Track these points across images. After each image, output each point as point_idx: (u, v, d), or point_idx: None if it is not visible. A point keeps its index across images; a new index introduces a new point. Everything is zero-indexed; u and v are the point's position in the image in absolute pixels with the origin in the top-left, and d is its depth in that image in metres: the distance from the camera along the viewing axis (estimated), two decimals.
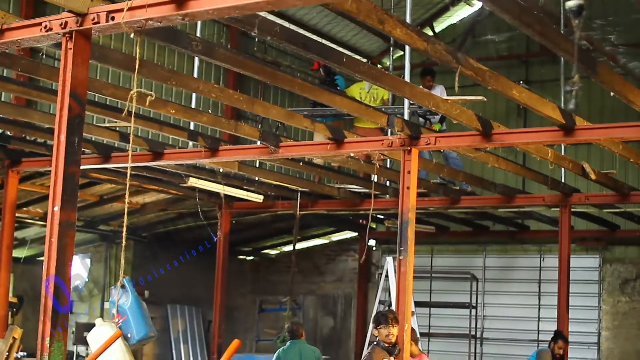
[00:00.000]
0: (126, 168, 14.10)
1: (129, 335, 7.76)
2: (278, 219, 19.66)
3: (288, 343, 13.90)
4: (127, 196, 7.72)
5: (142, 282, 18.68)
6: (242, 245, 22.23)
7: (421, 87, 14.74)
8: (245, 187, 15.90)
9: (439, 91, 15.04)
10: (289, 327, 14.28)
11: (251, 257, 23.31)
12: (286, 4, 6.31)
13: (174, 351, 19.81)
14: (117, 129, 12.11)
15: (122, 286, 8.11)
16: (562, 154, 13.54)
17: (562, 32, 7.72)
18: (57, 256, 7.10)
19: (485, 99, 10.85)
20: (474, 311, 19.43)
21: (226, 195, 16.47)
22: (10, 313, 15.21)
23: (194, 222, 19.69)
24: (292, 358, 13.66)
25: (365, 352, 10.85)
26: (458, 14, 21.50)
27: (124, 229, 7.37)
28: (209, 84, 9.98)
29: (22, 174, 14.80)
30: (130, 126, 8.49)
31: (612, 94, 9.05)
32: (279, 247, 23.29)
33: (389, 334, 10.15)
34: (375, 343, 10.43)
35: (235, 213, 17.75)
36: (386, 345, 10.18)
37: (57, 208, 7.19)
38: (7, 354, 13.75)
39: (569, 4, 4.98)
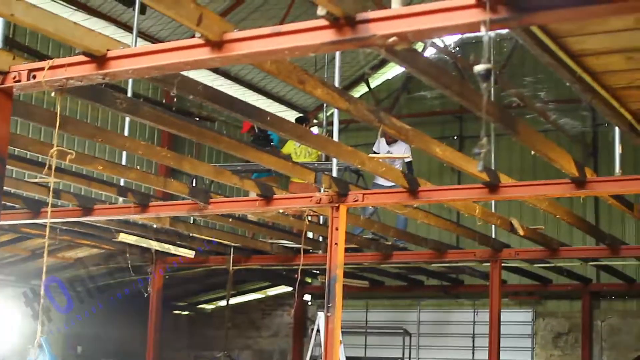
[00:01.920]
0: (56, 223, 14.12)
1: None
2: (213, 273, 19.59)
3: None
4: (45, 253, 7.71)
5: (79, 318, 18.54)
6: (177, 300, 22.12)
7: (383, 139, 14.97)
8: (178, 242, 15.87)
9: (403, 148, 15.17)
10: None
11: (187, 312, 23.18)
12: (204, 65, 6.36)
13: None
14: (48, 184, 12.04)
15: (40, 345, 8.05)
16: (493, 210, 13.72)
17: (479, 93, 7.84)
18: None
19: (411, 158, 11.01)
20: None
21: (158, 251, 16.44)
22: None
23: (130, 276, 19.56)
24: None
25: None
26: (392, 70, 21.73)
27: (42, 285, 7.33)
28: (135, 141, 10.00)
29: None
30: (52, 182, 8.44)
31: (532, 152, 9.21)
32: (214, 302, 23.20)
33: None
34: None
35: (168, 268, 17.68)
36: None
37: None
38: None
39: (477, 68, 5.08)
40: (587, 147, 19.31)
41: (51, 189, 7.99)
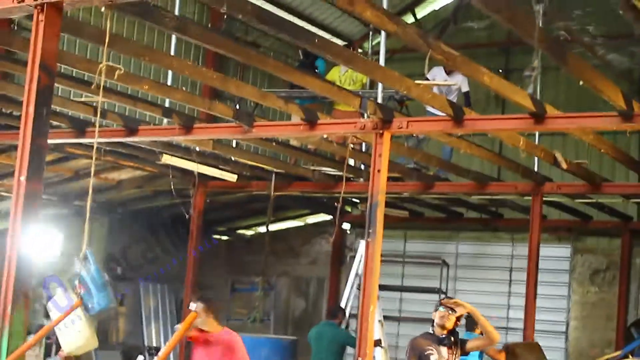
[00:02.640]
0: (101, 144, 14.21)
1: (90, 305, 7.80)
2: (253, 199, 19.70)
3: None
4: (92, 171, 7.77)
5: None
6: (217, 224, 22.26)
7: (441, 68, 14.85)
8: (220, 166, 15.93)
9: (460, 78, 15.02)
10: (328, 309, 15.61)
11: (225, 237, 23.35)
12: None
13: (144, 328, 19.85)
14: (93, 104, 12.11)
15: (85, 257, 8.14)
16: (537, 143, 13.64)
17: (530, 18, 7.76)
18: (22, 226, 7.14)
19: (467, 88, 10.94)
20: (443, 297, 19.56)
21: (200, 174, 16.52)
22: None
23: (169, 200, 19.71)
24: (321, 334, 14.58)
25: None
26: (440, 1, 21.53)
27: (89, 200, 7.42)
28: (182, 62, 10.03)
29: None
30: (100, 99, 8.49)
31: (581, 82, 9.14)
32: (254, 228, 23.35)
33: (443, 316, 9.61)
34: (428, 332, 9.87)
35: (210, 192, 17.78)
36: (438, 331, 9.61)
37: (23, 179, 7.23)
38: None
39: None
40: (634, 83, 19.09)
41: (99, 105, 8.03)
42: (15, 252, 7.09)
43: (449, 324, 9.57)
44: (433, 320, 9.75)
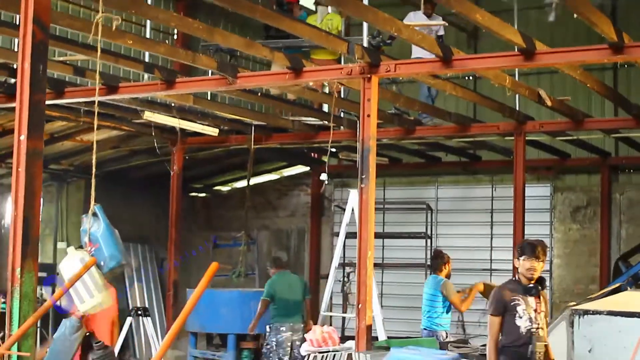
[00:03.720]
0: (79, 104, 13.98)
1: (102, 263, 7.68)
2: (230, 154, 19.55)
3: (275, 275, 14.58)
4: (95, 127, 7.60)
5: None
6: (193, 181, 22.09)
7: (419, 12, 14.67)
8: (199, 121, 15.76)
9: (440, 20, 14.84)
10: (274, 259, 15.10)
11: (203, 194, 23.20)
12: None
13: (127, 290, 19.71)
14: (75, 62, 11.89)
15: (94, 214, 7.99)
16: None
17: None
18: (25, 186, 6.99)
19: (446, 24, 10.86)
20: (429, 241, 19.58)
21: (180, 131, 16.37)
22: None
23: (146, 159, 19.53)
24: (281, 285, 14.34)
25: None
26: None
27: (94, 160, 7.29)
28: (168, 13, 9.91)
29: None
30: (98, 53, 8.30)
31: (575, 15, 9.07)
32: (230, 184, 23.20)
33: (531, 268, 8.67)
34: (511, 278, 9.20)
35: (188, 149, 17.62)
36: (524, 281, 8.73)
37: (23, 137, 7.07)
38: None
39: None
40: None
41: (99, 62, 7.83)
42: (21, 213, 6.95)
43: (537, 274, 8.73)
44: (516, 269, 8.87)
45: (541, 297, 8.81)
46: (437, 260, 13.84)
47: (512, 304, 8.67)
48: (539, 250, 8.75)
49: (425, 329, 13.32)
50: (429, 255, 19.00)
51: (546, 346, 8.67)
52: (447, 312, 13.29)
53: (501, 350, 8.74)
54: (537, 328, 8.69)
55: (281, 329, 14.19)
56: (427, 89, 14.86)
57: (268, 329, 14.35)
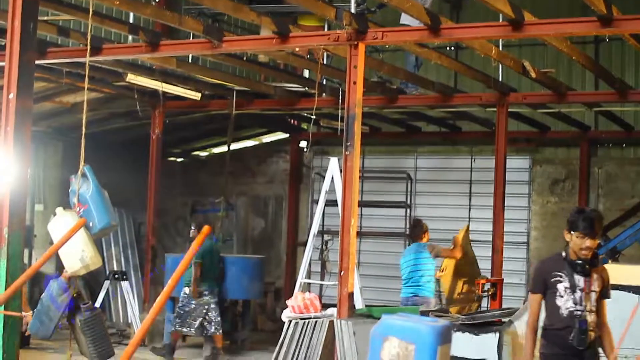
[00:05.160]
0: (61, 64, 13.84)
1: (91, 224, 7.63)
2: (209, 120, 19.46)
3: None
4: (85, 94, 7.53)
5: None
6: (172, 146, 21.98)
7: None
8: (180, 85, 15.67)
9: None
10: (198, 222, 15.78)
11: (181, 159, 23.10)
12: None
13: (104, 254, 19.61)
14: (58, 22, 11.77)
15: (83, 175, 7.93)
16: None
17: None
18: (14, 145, 6.92)
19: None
20: (408, 210, 19.60)
21: (160, 94, 16.26)
22: None
23: (125, 122, 19.40)
24: (206, 248, 15.21)
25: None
26: None
27: (84, 120, 7.23)
28: None
29: None
30: (80, 19, 8.20)
31: None
32: (209, 149, 23.11)
33: (585, 248, 7.44)
34: (558, 251, 7.86)
35: (168, 113, 17.52)
36: (572, 256, 7.53)
37: (12, 96, 7.00)
38: None
39: None
40: None
41: (90, 19, 7.74)
42: (9, 173, 6.88)
43: (588, 254, 7.49)
44: (567, 243, 7.64)
45: (594, 276, 7.60)
46: (416, 229, 14.05)
47: (552, 280, 7.64)
48: (597, 226, 7.47)
49: (413, 295, 13.46)
50: (408, 224, 19.05)
51: (593, 332, 7.57)
52: (431, 277, 13.54)
53: (542, 332, 7.76)
54: (584, 311, 7.52)
55: (205, 292, 15.06)
56: (415, 58, 14.81)
57: (187, 292, 15.03)
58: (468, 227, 15.39)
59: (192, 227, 15.81)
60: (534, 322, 7.73)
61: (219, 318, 15.19)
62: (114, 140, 20.41)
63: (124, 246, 19.93)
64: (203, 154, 23.27)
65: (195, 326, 15.02)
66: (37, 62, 12.82)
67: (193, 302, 15.01)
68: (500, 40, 13.65)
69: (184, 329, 15.10)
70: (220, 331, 15.24)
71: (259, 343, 16.98)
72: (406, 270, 13.86)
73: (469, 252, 14.99)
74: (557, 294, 7.59)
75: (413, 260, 13.80)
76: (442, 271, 14.68)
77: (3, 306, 6.69)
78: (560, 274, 7.58)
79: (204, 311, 15.04)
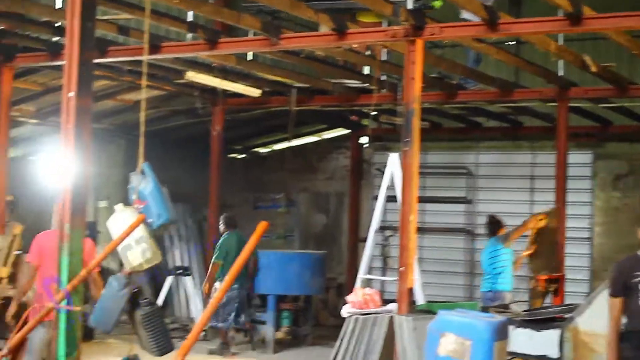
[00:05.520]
0: (122, 63, 14.01)
1: (150, 220, 7.74)
2: (271, 116, 19.55)
3: (226, 234, 15.65)
4: (144, 87, 7.61)
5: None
6: (234, 143, 22.11)
7: None
8: (240, 82, 15.77)
9: None
10: (226, 218, 15.97)
11: (243, 155, 23.23)
12: None
13: (167, 250, 19.84)
14: (118, 21, 11.90)
15: (142, 172, 8.04)
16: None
17: None
18: (75, 143, 7.02)
19: None
20: (468, 206, 19.53)
21: (221, 92, 16.40)
22: (8, 211, 15.16)
23: (186, 120, 19.57)
24: (232, 245, 15.30)
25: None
26: None
27: (142, 118, 7.33)
28: None
29: (16, 70, 14.60)
30: (139, 17, 8.31)
31: None
32: (270, 145, 23.21)
33: None
34: (636, 253, 7.77)
35: (228, 110, 17.66)
36: None
37: (72, 94, 7.10)
38: (7, 250, 13.75)
39: None
40: None
41: (147, 16, 7.83)
42: (70, 171, 6.99)
43: None
44: None
45: None
46: (494, 225, 14.14)
47: (632, 281, 7.51)
48: None
49: (489, 291, 13.54)
50: (468, 220, 19.01)
51: None
52: (507, 270, 13.53)
53: (624, 336, 7.59)
54: None
55: (234, 286, 15.05)
56: (476, 54, 14.74)
57: (218, 286, 15.01)
58: (544, 216, 14.88)
59: (221, 223, 16.01)
60: (617, 326, 7.55)
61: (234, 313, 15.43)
62: (176, 137, 20.58)
63: (187, 242, 20.10)
64: (264, 150, 23.38)
65: (230, 319, 15.32)
66: (98, 60, 13.16)
67: (225, 296, 15.13)
68: (561, 35, 13.54)
69: (219, 324, 15.39)
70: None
71: (320, 338, 17.04)
72: (484, 265, 13.96)
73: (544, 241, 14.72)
74: (639, 295, 7.41)
75: (489, 254, 13.89)
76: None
77: (65, 301, 6.80)
78: (638, 274, 7.43)
79: (235, 305, 15.29)
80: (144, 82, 8.26)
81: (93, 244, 8.10)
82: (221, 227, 15.92)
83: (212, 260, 15.47)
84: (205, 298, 15.54)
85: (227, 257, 15.20)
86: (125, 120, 19.22)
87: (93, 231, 17.90)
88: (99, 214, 19.37)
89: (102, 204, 19.40)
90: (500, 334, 6.71)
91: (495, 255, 13.84)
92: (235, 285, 15.18)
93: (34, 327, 7.01)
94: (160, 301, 18.35)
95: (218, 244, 15.58)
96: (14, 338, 6.99)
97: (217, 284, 15.23)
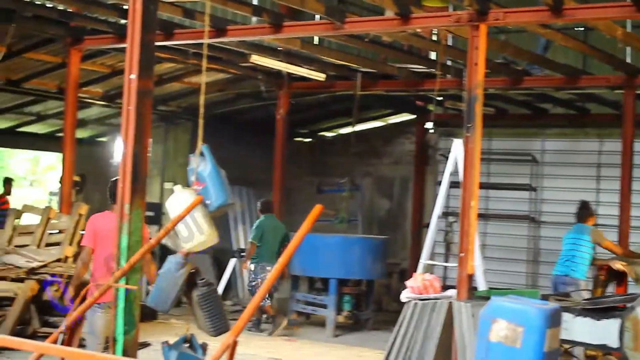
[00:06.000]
0: (188, 46, 14.14)
1: (208, 202, 7.82)
2: (336, 100, 19.61)
3: (262, 217, 16.40)
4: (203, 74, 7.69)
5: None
6: (299, 127, 22.19)
7: None
8: (305, 66, 15.82)
9: None
10: (263, 203, 16.66)
11: (308, 139, 23.30)
12: None
13: (232, 231, 19.98)
14: (184, 4, 12.00)
15: (201, 153, 8.13)
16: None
17: None
18: (135, 125, 7.12)
19: None
20: (533, 193, 19.38)
21: (286, 75, 16.46)
22: (74, 191, 15.41)
23: (251, 103, 19.69)
24: (268, 227, 16.17)
25: None
26: None
27: (201, 101, 7.42)
28: None
29: (84, 52, 14.81)
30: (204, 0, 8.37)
31: None
32: (335, 130, 23.26)
33: None
34: None
35: (293, 93, 17.74)
36: None
37: (133, 77, 7.18)
38: (72, 230, 13.99)
39: None
40: None
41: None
42: (130, 150, 7.09)
43: None
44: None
45: None
46: (584, 211, 14.00)
47: None
48: None
49: (564, 275, 13.46)
50: (532, 207, 18.88)
51: None
52: (585, 260, 13.45)
53: None
54: None
55: (267, 268, 15.70)
56: (546, 41, 14.61)
57: (253, 267, 16.01)
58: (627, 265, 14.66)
59: (258, 205, 16.72)
60: None
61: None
62: (242, 120, 20.74)
63: (251, 224, 20.19)
64: (329, 134, 23.42)
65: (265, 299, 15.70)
66: (164, 43, 13.30)
67: (259, 276, 15.81)
68: (629, 21, 13.37)
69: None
70: (269, 302, 16.07)
71: (382, 323, 17.04)
72: (564, 248, 13.85)
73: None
74: None
75: (572, 239, 13.77)
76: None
77: (124, 279, 6.91)
78: None
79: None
80: (203, 64, 8.28)
81: (146, 226, 8.20)
82: (258, 211, 16.64)
83: (249, 239, 16.34)
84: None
85: (262, 238, 15.99)
86: (191, 103, 19.41)
87: (158, 212, 18.13)
88: (165, 195, 19.58)
89: (168, 185, 19.61)
90: (553, 321, 6.67)
91: (578, 243, 13.70)
92: (268, 268, 15.66)
93: (90, 306, 7.13)
94: (223, 283, 18.52)
95: (254, 225, 16.40)
96: (71, 316, 7.11)
97: (251, 265, 15.98)
